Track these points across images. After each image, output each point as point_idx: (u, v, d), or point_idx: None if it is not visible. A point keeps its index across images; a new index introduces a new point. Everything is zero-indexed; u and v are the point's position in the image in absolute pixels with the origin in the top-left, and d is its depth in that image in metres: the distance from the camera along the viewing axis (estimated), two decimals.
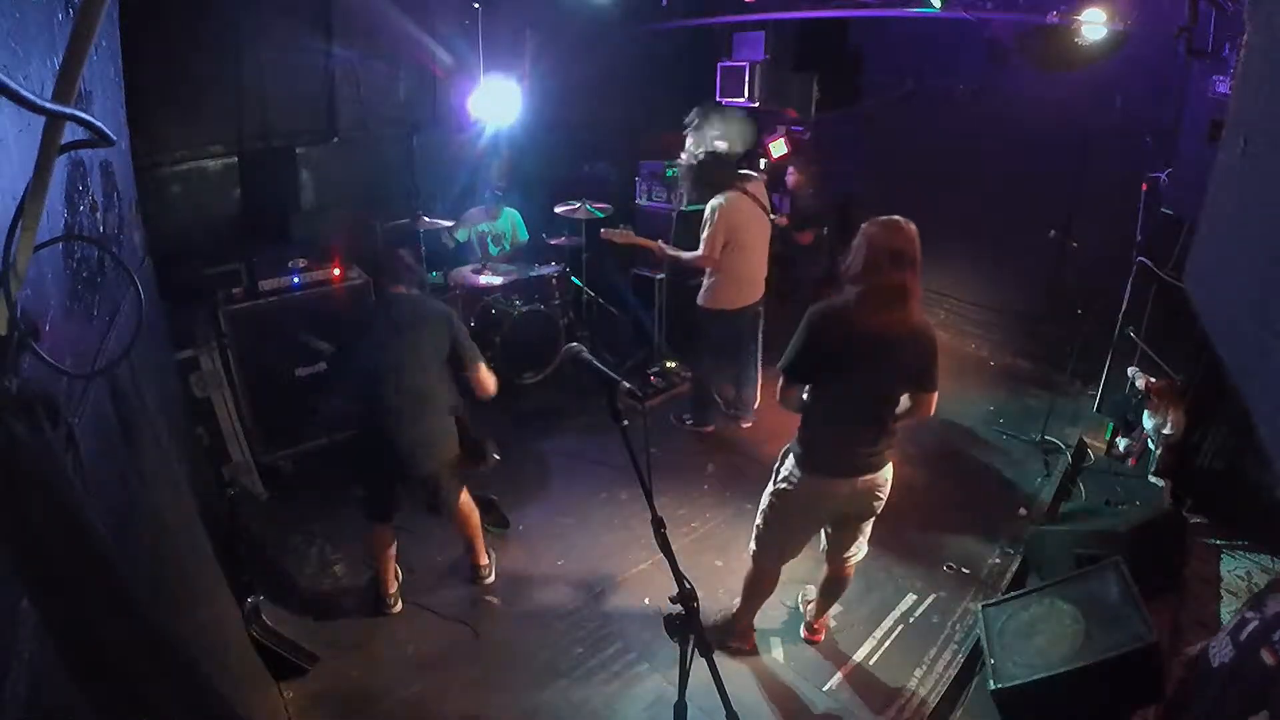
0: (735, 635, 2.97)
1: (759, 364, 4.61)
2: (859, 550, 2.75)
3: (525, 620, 3.10)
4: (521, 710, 2.69)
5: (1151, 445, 4.03)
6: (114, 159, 1.99)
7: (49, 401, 1.09)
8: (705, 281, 4.27)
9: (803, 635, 3.04)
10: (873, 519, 2.65)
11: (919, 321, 2.36)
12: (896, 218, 2.38)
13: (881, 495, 2.55)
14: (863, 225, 2.40)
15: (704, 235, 4.06)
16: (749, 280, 4.25)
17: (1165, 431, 3.83)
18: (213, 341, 3.50)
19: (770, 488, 2.66)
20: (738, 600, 2.95)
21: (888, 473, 2.53)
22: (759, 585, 2.85)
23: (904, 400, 2.49)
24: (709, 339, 4.41)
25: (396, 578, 3.19)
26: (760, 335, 4.57)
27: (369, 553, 3.15)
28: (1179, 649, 2.93)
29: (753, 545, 2.77)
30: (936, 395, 2.45)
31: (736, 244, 4.08)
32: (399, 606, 3.14)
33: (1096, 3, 3.92)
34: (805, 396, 2.49)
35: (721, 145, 4.12)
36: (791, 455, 2.57)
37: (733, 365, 4.56)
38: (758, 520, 2.73)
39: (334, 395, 3.30)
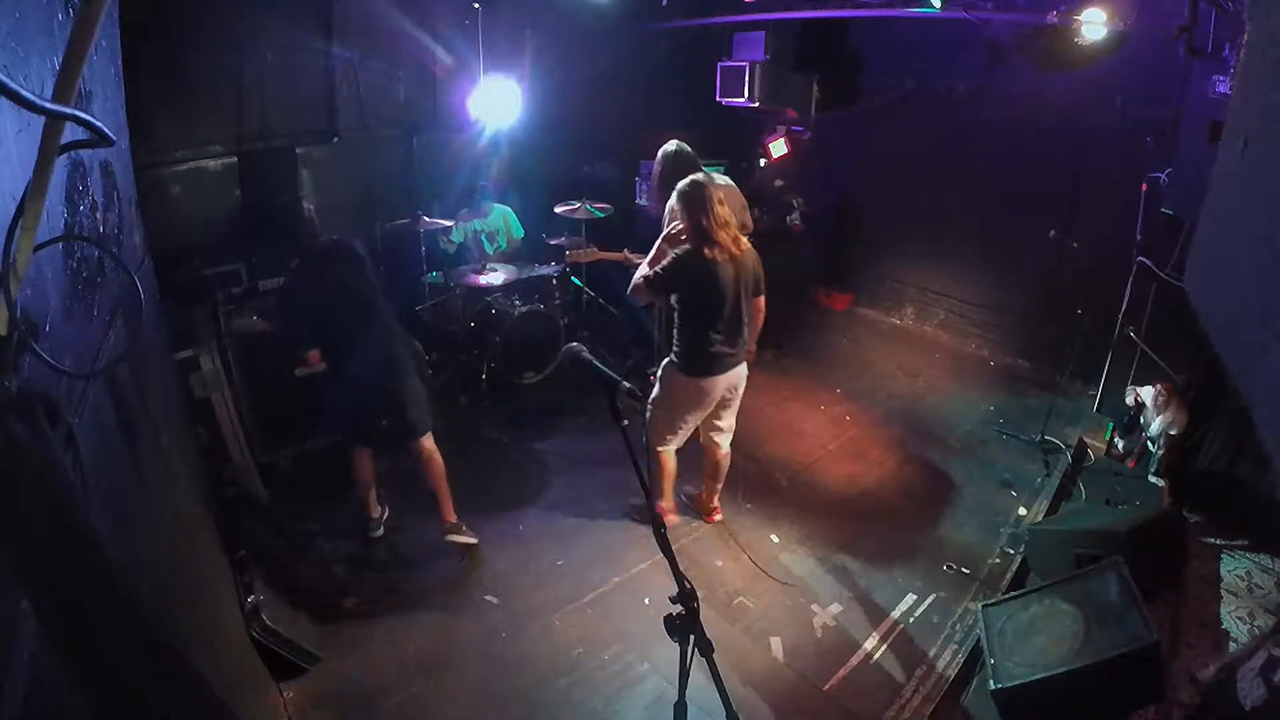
0: (662, 511, 3.56)
1: None
2: (725, 435, 3.51)
3: (525, 620, 3.10)
4: (521, 710, 2.69)
5: (1151, 447, 4.03)
6: (114, 159, 1.99)
7: (49, 401, 1.09)
8: None
9: (704, 518, 3.72)
10: (735, 407, 3.42)
11: (745, 244, 3.14)
12: (695, 177, 3.12)
13: (741, 387, 3.35)
14: (672, 199, 3.12)
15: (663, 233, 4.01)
16: None
17: (1172, 432, 3.83)
18: (213, 341, 3.50)
19: (655, 394, 3.34)
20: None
21: (745, 369, 3.32)
22: (665, 471, 3.48)
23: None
24: None
25: (380, 503, 3.54)
26: None
27: (353, 478, 3.46)
28: (1179, 649, 2.93)
29: (651, 443, 3.39)
30: (764, 297, 3.27)
31: None
32: (381, 531, 3.52)
33: (1096, 3, 3.91)
34: (675, 320, 3.16)
35: (684, 145, 4.05)
36: (671, 366, 3.24)
37: None
38: (648, 425, 3.34)
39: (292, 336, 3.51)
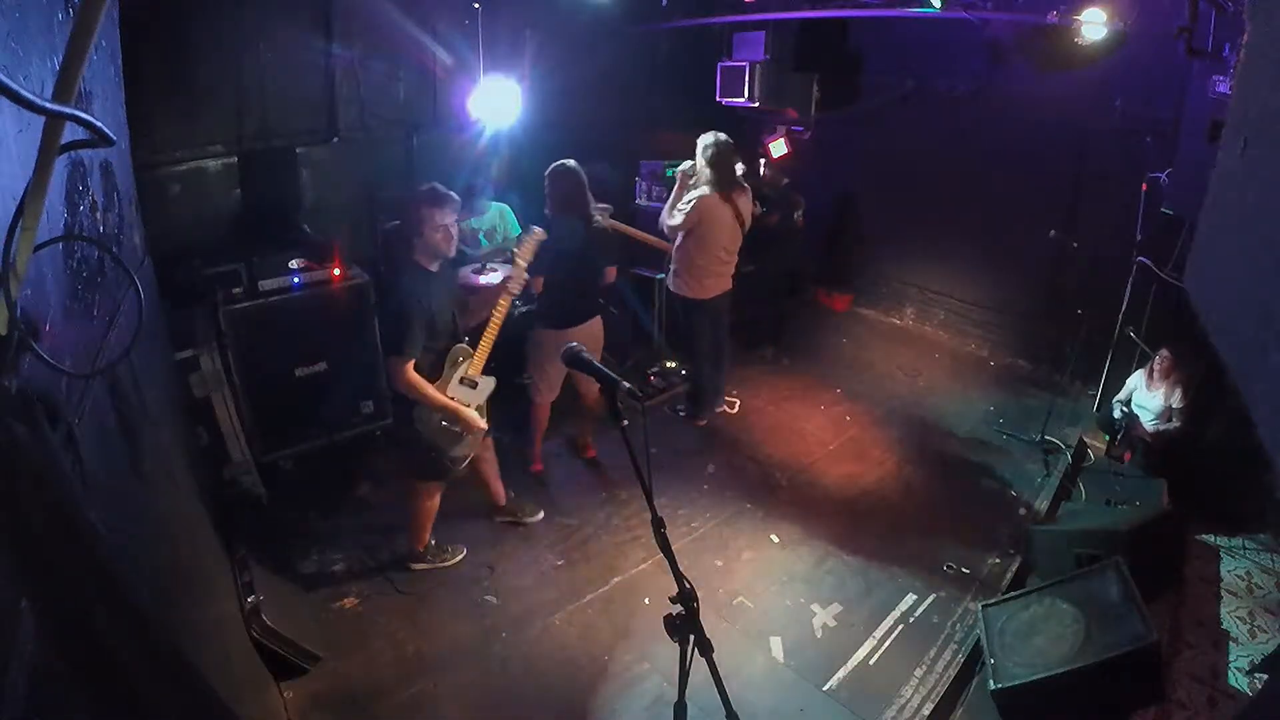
0: (532, 459, 4.13)
1: (726, 357, 4.79)
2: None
3: (525, 620, 3.10)
4: (521, 710, 2.69)
5: (1147, 434, 4.04)
6: (114, 159, 1.99)
7: (49, 401, 1.10)
8: (670, 268, 4.51)
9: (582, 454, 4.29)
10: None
11: (602, 223, 3.74)
12: (565, 161, 3.61)
13: (599, 336, 3.87)
14: (547, 176, 3.63)
15: (679, 211, 4.21)
16: (705, 275, 4.34)
17: (1175, 404, 3.88)
18: (213, 341, 3.50)
19: (529, 359, 3.86)
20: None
21: (599, 321, 3.86)
22: (540, 420, 3.99)
23: None
24: (682, 325, 4.63)
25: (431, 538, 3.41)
26: (725, 330, 4.68)
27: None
28: (1179, 649, 2.94)
29: (533, 398, 3.91)
30: (616, 268, 3.89)
31: (698, 237, 4.21)
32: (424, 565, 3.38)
33: (1096, 3, 3.92)
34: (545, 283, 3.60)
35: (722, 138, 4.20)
36: (538, 328, 3.75)
37: (705, 354, 4.66)
38: (530, 377, 3.88)
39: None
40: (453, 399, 2.94)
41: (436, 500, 3.24)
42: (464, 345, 3.03)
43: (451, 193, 2.88)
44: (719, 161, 4.13)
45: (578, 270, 3.60)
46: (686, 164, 4.32)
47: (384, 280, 4.22)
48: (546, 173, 3.63)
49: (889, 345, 6.04)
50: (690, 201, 4.18)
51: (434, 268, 2.93)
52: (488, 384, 3.08)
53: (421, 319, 2.80)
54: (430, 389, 2.86)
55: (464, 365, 3.01)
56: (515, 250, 3.10)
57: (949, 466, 4.34)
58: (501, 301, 3.07)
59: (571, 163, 3.64)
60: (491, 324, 3.07)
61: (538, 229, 3.16)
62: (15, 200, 1.01)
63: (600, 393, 4.08)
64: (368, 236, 4.92)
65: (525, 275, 3.10)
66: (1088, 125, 4.78)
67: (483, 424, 3.04)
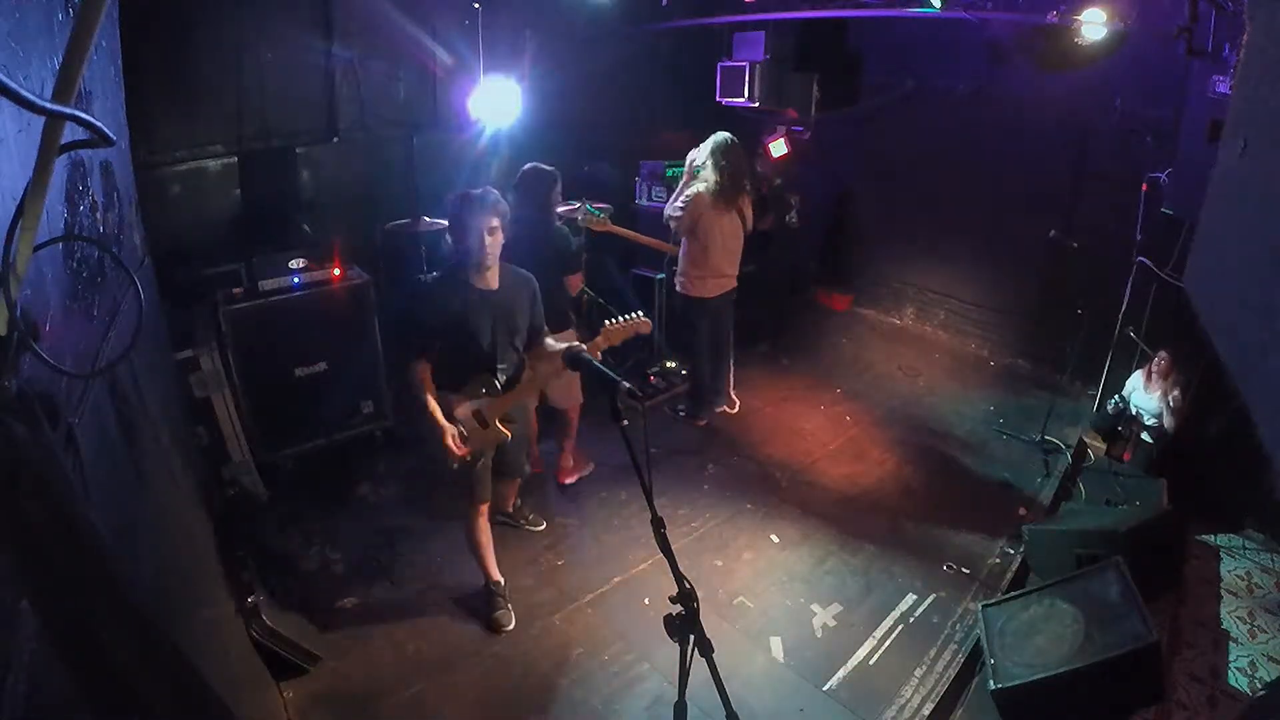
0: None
1: (730, 357, 4.82)
2: (567, 397, 3.87)
3: (525, 620, 3.09)
4: (521, 710, 2.69)
5: (1147, 436, 4.03)
6: (114, 159, 1.99)
7: (49, 401, 1.10)
8: (674, 267, 4.59)
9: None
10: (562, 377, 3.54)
11: (586, 224, 4.17)
12: (543, 165, 3.59)
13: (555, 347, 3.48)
14: (522, 171, 3.57)
15: (678, 206, 4.27)
16: (709, 274, 4.38)
17: (1173, 403, 3.89)
18: (213, 341, 3.50)
19: None
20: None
21: (573, 334, 3.65)
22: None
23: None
24: (686, 324, 4.65)
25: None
26: (730, 331, 4.72)
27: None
28: (1179, 649, 2.94)
29: None
30: (580, 276, 3.76)
31: (700, 237, 4.27)
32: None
33: (1096, 3, 3.92)
34: None
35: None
36: None
37: (706, 354, 4.68)
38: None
39: None
40: (455, 420, 2.68)
41: (482, 527, 2.99)
42: (495, 381, 2.74)
43: (488, 192, 2.61)
44: (726, 165, 4.14)
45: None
46: (695, 153, 4.29)
47: (383, 280, 4.22)
48: (523, 169, 3.58)
49: (889, 345, 6.05)
50: (688, 198, 4.21)
51: (478, 281, 2.66)
52: (497, 431, 2.75)
53: (416, 323, 2.66)
54: (426, 391, 2.66)
55: (484, 399, 2.73)
56: (606, 325, 2.68)
57: (949, 467, 4.34)
58: (554, 370, 2.76)
59: (549, 166, 3.61)
60: (528, 383, 2.86)
61: (643, 317, 2.72)
62: (15, 200, 1.01)
63: (568, 392, 3.84)
64: (367, 236, 4.92)
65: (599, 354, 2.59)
66: (1088, 125, 4.79)
67: (456, 455, 2.67)
